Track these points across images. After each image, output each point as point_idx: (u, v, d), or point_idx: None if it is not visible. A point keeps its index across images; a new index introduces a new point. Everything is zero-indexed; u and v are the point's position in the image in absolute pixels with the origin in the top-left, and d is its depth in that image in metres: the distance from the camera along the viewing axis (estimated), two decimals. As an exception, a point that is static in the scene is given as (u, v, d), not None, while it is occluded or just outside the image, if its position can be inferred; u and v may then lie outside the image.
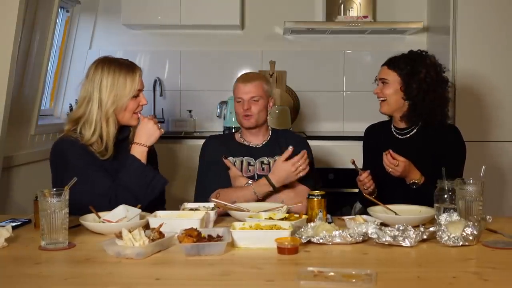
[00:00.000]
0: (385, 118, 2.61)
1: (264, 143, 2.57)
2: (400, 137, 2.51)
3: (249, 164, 2.50)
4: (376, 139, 2.59)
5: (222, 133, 3.99)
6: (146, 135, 2.16)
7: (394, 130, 2.54)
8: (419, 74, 2.39)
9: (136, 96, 2.20)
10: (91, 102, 2.15)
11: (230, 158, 2.50)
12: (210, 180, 2.45)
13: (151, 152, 2.25)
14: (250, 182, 2.39)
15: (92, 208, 1.92)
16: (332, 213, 2.01)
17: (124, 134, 2.24)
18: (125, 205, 1.91)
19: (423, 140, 2.44)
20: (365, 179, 2.35)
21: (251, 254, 1.63)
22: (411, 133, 2.49)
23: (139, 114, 2.21)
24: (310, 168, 2.52)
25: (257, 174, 2.49)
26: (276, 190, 2.35)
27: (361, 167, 2.49)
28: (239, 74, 4.12)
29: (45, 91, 3.52)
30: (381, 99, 2.49)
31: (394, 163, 2.27)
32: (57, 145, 2.17)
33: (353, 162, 2.39)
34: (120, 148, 2.21)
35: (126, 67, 2.20)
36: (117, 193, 2.05)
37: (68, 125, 2.20)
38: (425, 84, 2.39)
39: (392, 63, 2.45)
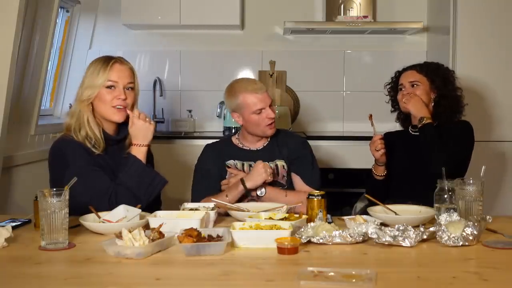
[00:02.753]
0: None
1: (264, 145, 2.53)
2: (416, 133, 2.58)
3: (250, 166, 2.47)
4: (392, 139, 2.65)
5: (222, 133, 4.00)
6: (141, 135, 2.17)
7: (411, 130, 2.63)
8: (445, 76, 2.60)
9: (111, 87, 2.18)
10: (76, 97, 2.22)
11: (231, 162, 2.48)
12: (198, 190, 2.45)
13: (148, 153, 2.26)
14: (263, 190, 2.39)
15: (92, 208, 1.92)
16: (332, 213, 2.01)
17: (122, 135, 2.24)
18: (125, 205, 1.91)
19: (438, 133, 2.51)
20: (378, 141, 2.44)
21: (251, 254, 1.62)
22: None
23: (128, 111, 2.19)
24: (313, 168, 2.52)
25: None
26: (247, 190, 2.33)
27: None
28: (239, 74, 4.14)
29: (45, 91, 3.52)
30: None
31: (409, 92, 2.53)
32: (56, 145, 2.17)
33: (370, 117, 2.50)
34: (117, 149, 2.22)
35: (103, 60, 2.22)
36: (117, 193, 2.06)
37: (69, 120, 2.22)
38: (450, 85, 2.59)
39: (420, 68, 2.60)
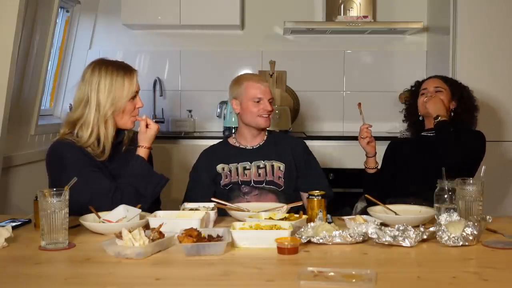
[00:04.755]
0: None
1: (261, 144, 2.54)
2: (428, 134, 2.64)
3: (244, 168, 2.48)
4: (399, 145, 2.74)
5: (222, 133, 4.00)
6: (153, 138, 2.21)
7: (423, 134, 2.68)
8: (464, 89, 2.72)
9: (133, 98, 2.19)
10: (89, 104, 2.13)
11: (221, 166, 2.48)
12: (190, 197, 2.43)
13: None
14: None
15: (92, 208, 1.92)
16: (332, 213, 2.01)
17: (119, 139, 2.24)
18: (125, 205, 1.92)
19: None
20: (364, 129, 2.49)
21: (251, 254, 1.62)
22: None
23: (144, 116, 2.21)
24: (317, 167, 2.55)
25: (253, 180, 2.46)
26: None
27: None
28: (239, 74, 4.11)
29: (45, 91, 3.52)
30: None
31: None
32: (53, 148, 2.15)
33: (359, 105, 2.54)
34: (115, 152, 2.22)
35: (124, 68, 2.19)
36: (123, 192, 2.06)
37: (65, 128, 2.18)
38: (468, 98, 2.71)
39: (443, 78, 2.71)
